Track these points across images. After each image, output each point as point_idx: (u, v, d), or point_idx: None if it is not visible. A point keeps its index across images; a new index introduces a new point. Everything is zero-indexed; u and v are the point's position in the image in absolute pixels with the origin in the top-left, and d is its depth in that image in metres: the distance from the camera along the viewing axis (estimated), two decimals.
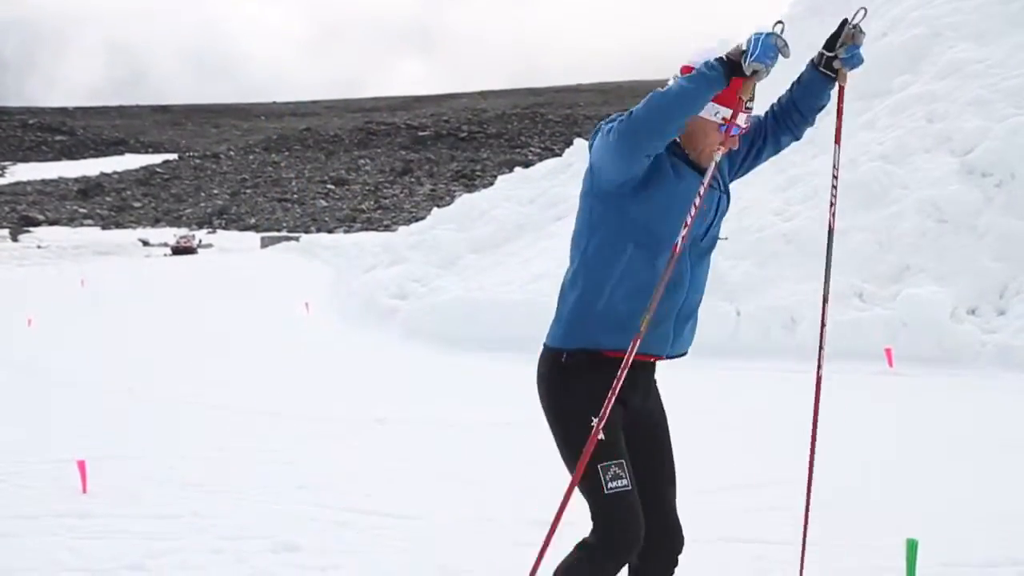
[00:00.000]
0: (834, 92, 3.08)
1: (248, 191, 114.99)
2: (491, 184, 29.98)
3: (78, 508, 5.71)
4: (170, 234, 77.49)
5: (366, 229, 77.40)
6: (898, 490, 5.61)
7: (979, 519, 4.98)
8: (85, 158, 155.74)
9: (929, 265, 11.75)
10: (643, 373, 2.91)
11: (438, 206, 35.63)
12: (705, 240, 2.93)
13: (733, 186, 3.09)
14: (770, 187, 15.10)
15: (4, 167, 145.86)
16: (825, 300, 3.27)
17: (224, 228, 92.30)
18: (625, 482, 2.73)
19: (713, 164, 2.78)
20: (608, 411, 2.71)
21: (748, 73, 2.69)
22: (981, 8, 16.46)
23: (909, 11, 18.08)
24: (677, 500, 3.06)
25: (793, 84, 3.15)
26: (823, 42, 3.00)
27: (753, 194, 15.16)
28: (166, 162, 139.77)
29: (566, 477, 2.84)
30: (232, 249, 64.34)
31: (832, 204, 3.27)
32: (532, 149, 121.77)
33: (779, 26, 2.80)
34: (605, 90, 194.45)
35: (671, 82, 2.77)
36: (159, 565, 4.68)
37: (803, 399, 9.69)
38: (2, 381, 11.66)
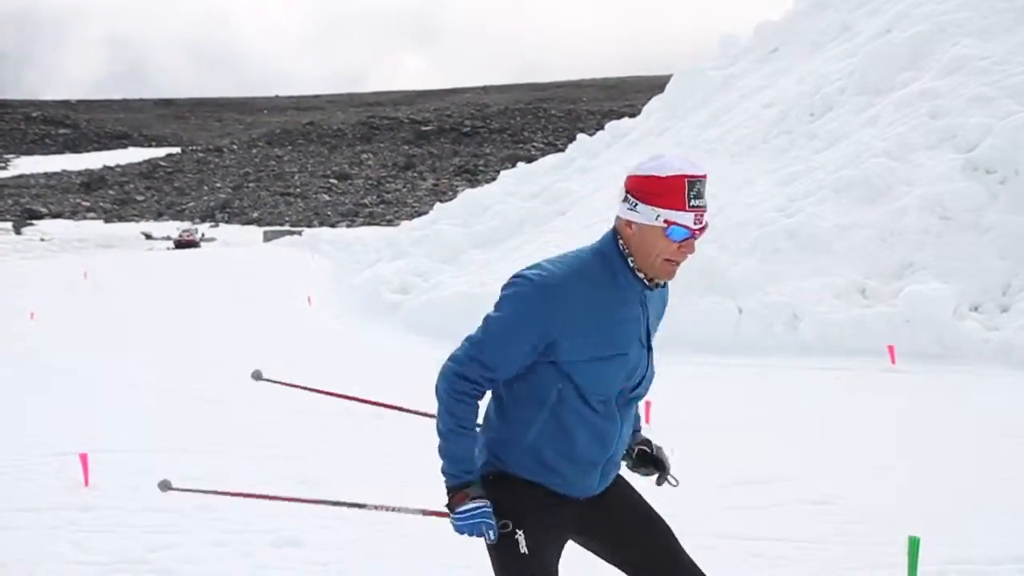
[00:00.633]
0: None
1: (251, 185, 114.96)
2: (494, 179, 29.99)
3: (80, 501, 5.72)
4: (173, 228, 77.43)
5: (368, 224, 77.38)
6: (900, 487, 5.60)
7: (981, 516, 4.98)
8: (88, 151, 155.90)
9: (932, 262, 11.73)
10: (570, 509, 2.64)
11: (440, 201, 35.65)
12: (637, 393, 2.65)
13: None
14: (772, 183, 15.08)
15: (7, 160, 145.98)
16: None
17: (227, 222, 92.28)
18: None
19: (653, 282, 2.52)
20: (527, 513, 2.51)
21: (447, 508, 2.55)
22: (985, 5, 16.42)
23: (912, 7, 18.05)
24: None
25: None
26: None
27: (755, 190, 15.14)
28: (169, 155, 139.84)
29: None
30: (235, 243, 64.35)
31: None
32: (535, 144, 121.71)
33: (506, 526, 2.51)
34: (608, 85, 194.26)
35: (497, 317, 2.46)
36: (161, 559, 4.69)
37: (804, 396, 9.69)
38: (4, 374, 11.67)
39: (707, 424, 7.46)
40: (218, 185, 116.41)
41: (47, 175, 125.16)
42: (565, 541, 2.66)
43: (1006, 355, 9.88)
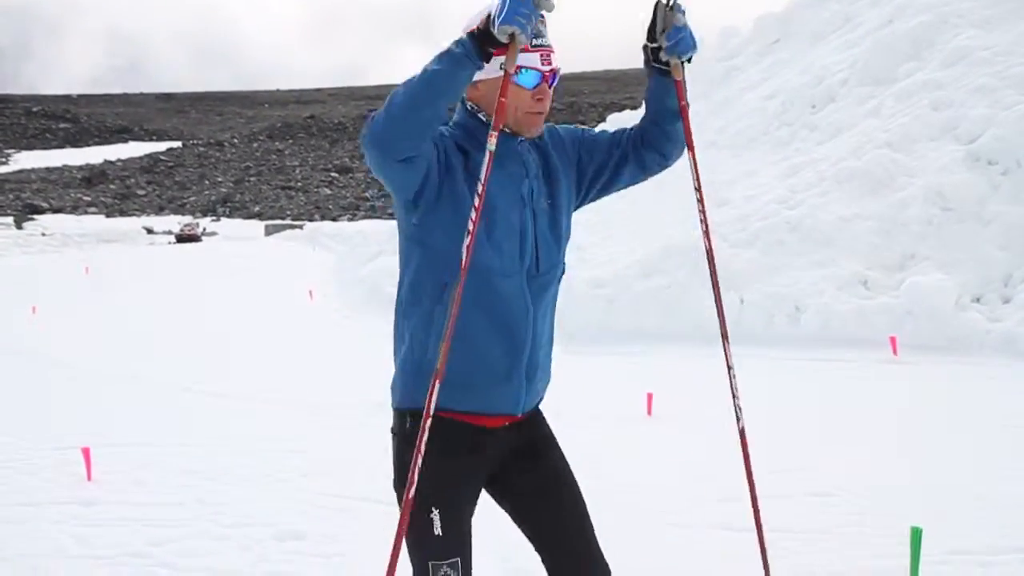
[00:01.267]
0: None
1: (252, 179, 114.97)
2: None
3: (82, 495, 5.73)
4: (174, 222, 77.44)
5: (369, 217, 77.37)
6: (901, 478, 5.60)
7: (983, 507, 4.98)
8: (89, 146, 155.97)
9: (934, 253, 11.72)
10: (493, 438, 2.39)
11: None
12: (543, 268, 2.38)
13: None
14: (774, 174, 15.06)
15: (8, 155, 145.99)
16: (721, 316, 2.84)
17: (228, 216, 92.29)
18: None
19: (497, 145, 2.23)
20: (445, 487, 2.35)
21: (503, 40, 2.11)
22: None
23: None
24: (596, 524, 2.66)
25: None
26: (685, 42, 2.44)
27: (757, 182, 15.12)
28: (170, 150, 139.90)
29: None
30: (236, 237, 64.30)
31: (703, 221, 2.67)
32: None
33: None
34: (609, 78, 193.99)
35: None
36: (163, 552, 4.69)
37: (806, 388, 9.69)
38: (6, 369, 11.68)
39: (707, 416, 7.46)
40: (219, 179, 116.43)
41: (48, 170, 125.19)
42: (479, 491, 2.47)
43: (1008, 346, 9.88)
